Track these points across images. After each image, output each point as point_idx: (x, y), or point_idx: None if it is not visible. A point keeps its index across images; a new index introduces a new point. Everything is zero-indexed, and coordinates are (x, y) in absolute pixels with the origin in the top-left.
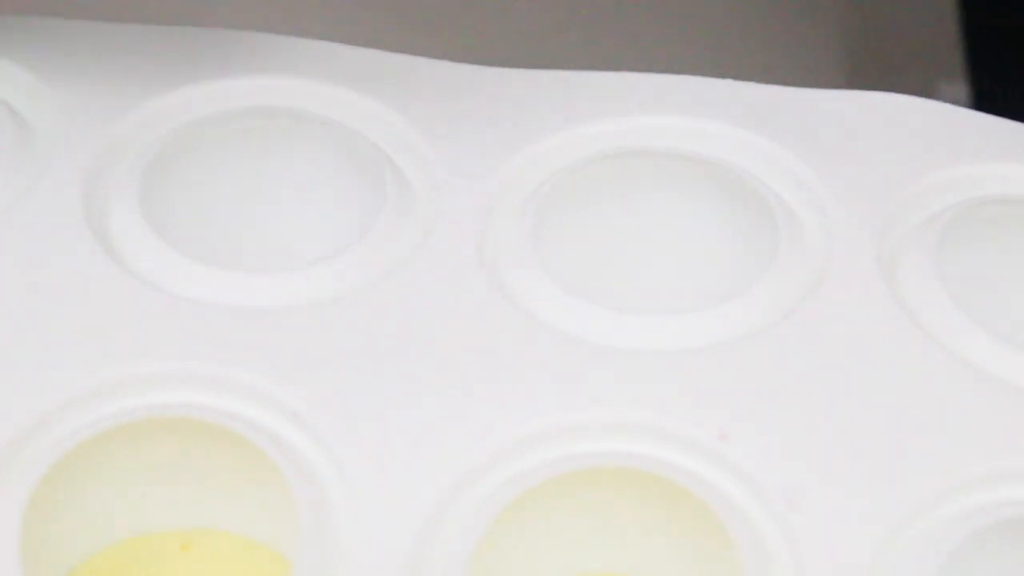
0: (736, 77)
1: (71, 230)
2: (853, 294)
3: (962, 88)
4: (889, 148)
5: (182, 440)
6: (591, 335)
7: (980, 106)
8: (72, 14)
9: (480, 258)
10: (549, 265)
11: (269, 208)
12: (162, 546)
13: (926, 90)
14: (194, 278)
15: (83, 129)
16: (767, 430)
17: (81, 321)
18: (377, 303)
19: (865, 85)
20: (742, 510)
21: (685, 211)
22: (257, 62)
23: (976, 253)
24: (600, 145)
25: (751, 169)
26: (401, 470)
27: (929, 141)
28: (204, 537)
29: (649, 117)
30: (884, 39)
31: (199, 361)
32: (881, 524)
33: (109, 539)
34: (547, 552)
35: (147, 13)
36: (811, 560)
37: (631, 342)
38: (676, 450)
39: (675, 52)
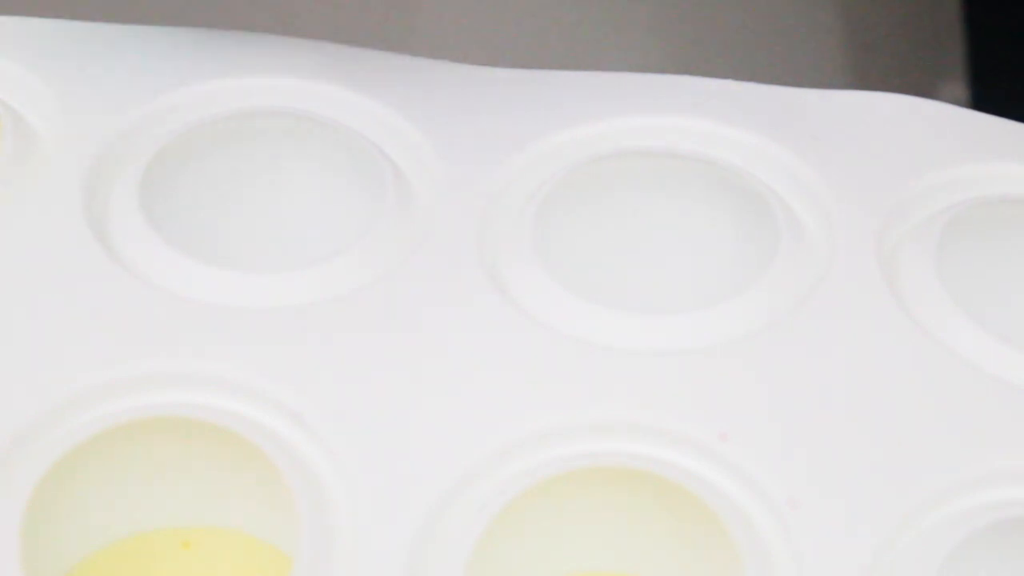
0: (740, 77)
1: (71, 230)
2: (853, 294)
3: (963, 88)
4: (889, 148)
5: (183, 439)
6: (591, 335)
7: (980, 106)
8: (72, 14)
9: (480, 258)
10: (549, 265)
11: (269, 208)
12: (163, 544)
13: (928, 90)
14: (194, 278)
15: (83, 129)
16: (767, 430)
17: (81, 321)
18: (377, 303)
19: (869, 85)
20: (742, 510)
21: (685, 211)
22: (257, 62)
23: (976, 253)
24: (600, 145)
25: (751, 169)
26: (401, 469)
27: (929, 141)
28: (205, 535)
29: (649, 117)
30: (888, 39)
31: (199, 361)
32: (881, 524)
33: (110, 537)
34: (547, 552)
35: (147, 13)
36: (811, 560)
37: (631, 342)
38: (676, 450)
39: (677, 52)
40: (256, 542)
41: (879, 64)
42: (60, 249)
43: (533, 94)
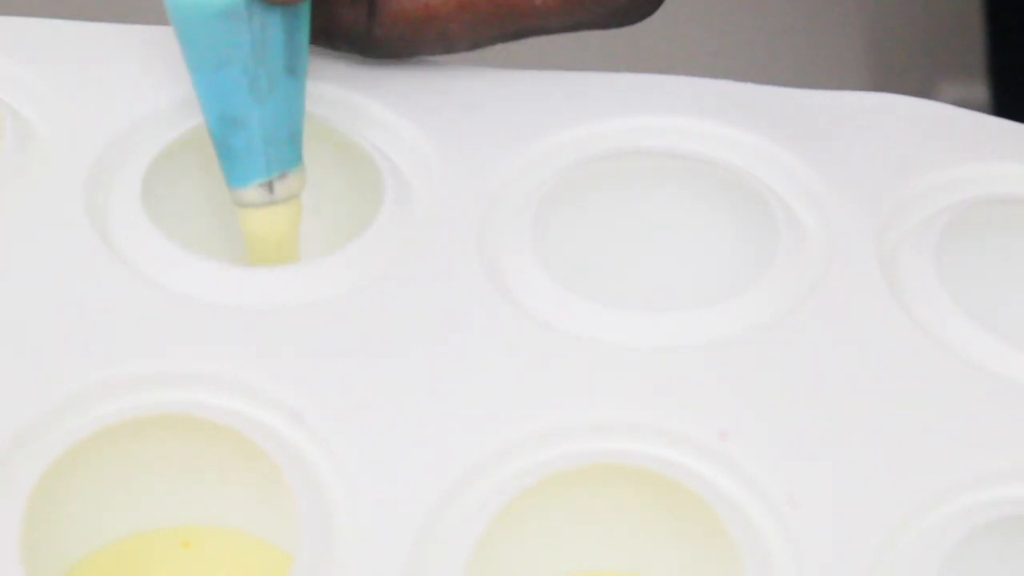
0: (758, 77)
1: (73, 230)
2: (853, 293)
3: (983, 89)
4: (889, 148)
5: (183, 438)
6: (591, 334)
7: (1000, 106)
8: (72, 14)
9: (480, 257)
10: (549, 264)
11: None
12: (163, 543)
13: (947, 90)
14: (196, 277)
15: (84, 129)
16: (767, 430)
17: (83, 319)
18: (377, 302)
19: (888, 85)
20: (742, 510)
21: (685, 210)
22: None
23: (976, 253)
24: (600, 145)
25: (751, 169)
26: (401, 469)
27: (929, 141)
28: (205, 535)
29: (649, 117)
30: (908, 40)
31: (200, 360)
32: (881, 524)
33: (111, 536)
34: (547, 552)
35: (147, 13)
36: (811, 560)
37: (631, 341)
38: (676, 449)
39: (688, 53)
40: (256, 542)
41: (899, 65)
42: (61, 249)
43: (533, 94)
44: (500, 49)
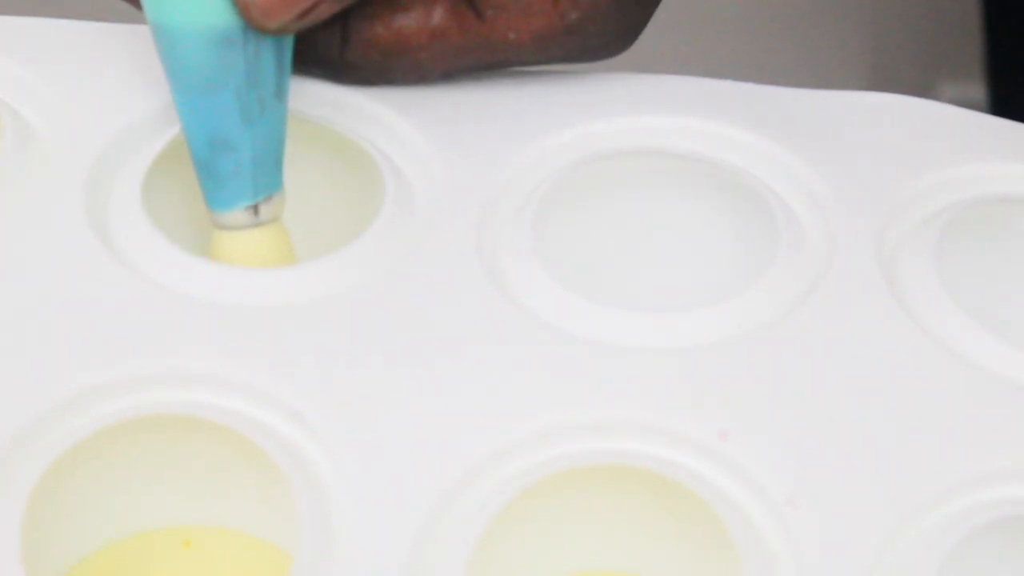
0: (758, 76)
1: (73, 230)
2: (853, 294)
3: (980, 88)
4: (889, 148)
5: (183, 438)
6: (591, 334)
7: (997, 106)
8: (72, 14)
9: (480, 257)
10: (549, 264)
11: None
12: (163, 544)
13: (945, 90)
14: (195, 276)
15: (84, 129)
16: (767, 430)
17: (83, 319)
18: (377, 302)
19: (886, 85)
20: (742, 509)
21: (685, 210)
22: None
23: (976, 253)
24: (600, 145)
25: (751, 169)
26: (401, 468)
27: (929, 141)
28: (206, 534)
29: (649, 117)
30: (906, 40)
31: (200, 359)
32: (881, 524)
33: (112, 536)
34: (547, 552)
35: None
36: (811, 560)
37: (631, 341)
38: (676, 449)
39: (690, 54)
40: (256, 541)
41: (899, 65)
42: (61, 249)
43: (533, 94)
44: None
